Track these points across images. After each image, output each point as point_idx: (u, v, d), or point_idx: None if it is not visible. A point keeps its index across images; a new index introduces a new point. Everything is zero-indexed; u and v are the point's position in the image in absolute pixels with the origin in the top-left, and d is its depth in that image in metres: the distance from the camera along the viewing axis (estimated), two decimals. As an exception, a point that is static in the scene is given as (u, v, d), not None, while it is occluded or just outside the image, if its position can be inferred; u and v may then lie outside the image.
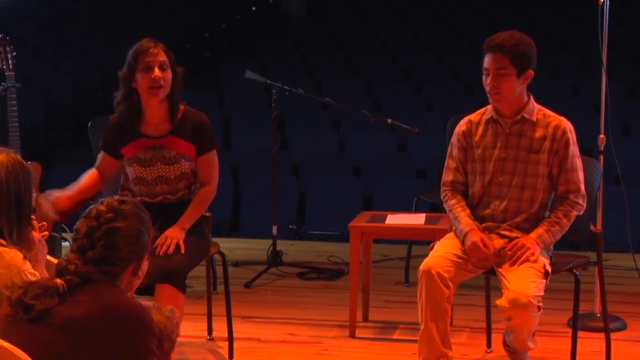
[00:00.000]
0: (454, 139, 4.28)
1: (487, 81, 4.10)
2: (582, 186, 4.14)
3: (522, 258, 4.00)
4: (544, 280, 3.98)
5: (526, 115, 4.14)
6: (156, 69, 4.23)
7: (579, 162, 4.14)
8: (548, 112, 4.19)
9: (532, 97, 4.19)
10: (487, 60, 4.09)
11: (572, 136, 4.13)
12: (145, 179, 4.34)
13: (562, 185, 4.13)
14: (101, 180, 4.39)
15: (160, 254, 4.08)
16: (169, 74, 4.27)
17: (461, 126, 4.27)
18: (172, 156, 4.32)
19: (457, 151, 4.25)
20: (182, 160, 4.32)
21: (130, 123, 4.33)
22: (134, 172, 4.35)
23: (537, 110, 4.17)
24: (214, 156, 4.40)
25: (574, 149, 4.13)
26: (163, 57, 4.26)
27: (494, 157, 4.16)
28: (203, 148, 4.36)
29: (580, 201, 4.13)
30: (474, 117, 4.27)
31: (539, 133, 4.13)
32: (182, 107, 4.36)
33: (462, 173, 4.25)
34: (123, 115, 4.34)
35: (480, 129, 4.22)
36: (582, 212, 4.17)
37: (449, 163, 4.29)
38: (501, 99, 4.11)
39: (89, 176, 4.37)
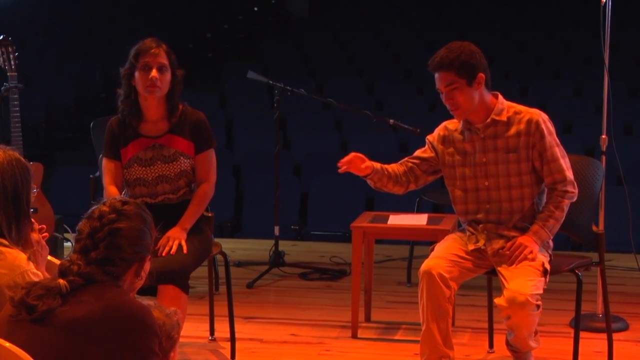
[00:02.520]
0: (428, 137, 4.30)
1: (443, 100, 4.12)
2: (568, 173, 4.11)
3: (520, 257, 4.00)
4: (543, 278, 3.98)
5: (496, 117, 4.12)
6: (154, 70, 4.24)
7: (559, 151, 4.12)
8: (519, 107, 4.17)
9: (500, 96, 4.17)
10: (436, 81, 4.12)
11: (546, 127, 4.10)
12: (145, 180, 4.34)
13: (547, 177, 4.13)
14: (121, 192, 4.40)
15: (163, 254, 4.09)
16: (167, 76, 4.28)
17: (439, 130, 4.28)
18: (171, 154, 4.32)
19: (427, 149, 4.29)
20: (181, 158, 4.33)
21: (130, 123, 4.34)
22: (134, 174, 4.35)
23: (507, 108, 4.15)
24: (212, 154, 4.41)
25: (551, 139, 4.11)
26: (163, 59, 4.27)
27: (475, 163, 4.16)
28: (201, 146, 4.37)
29: (570, 188, 4.11)
30: (450, 124, 4.27)
31: (512, 131, 4.12)
32: (180, 106, 4.37)
33: (418, 161, 4.28)
34: (124, 113, 4.35)
35: (458, 135, 4.22)
36: (574, 199, 4.14)
37: (417, 151, 4.33)
38: (462, 112, 4.11)
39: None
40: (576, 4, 12.66)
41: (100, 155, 4.70)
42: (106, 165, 4.41)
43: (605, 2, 4.92)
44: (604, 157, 4.97)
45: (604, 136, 5.07)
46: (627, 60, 10.70)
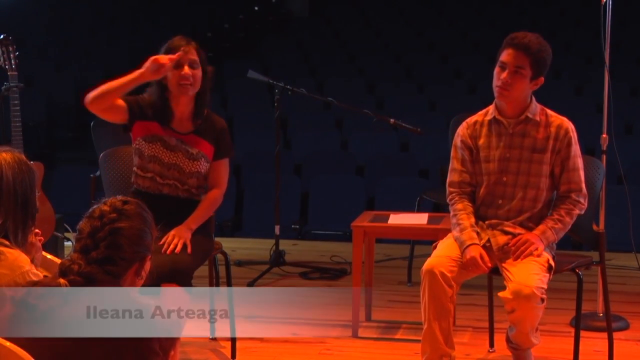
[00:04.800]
0: (457, 141, 4.27)
1: (500, 75, 4.10)
2: (584, 186, 4.15)
3: (526, 252, 4.00)
4: (548, 274, 3.98)
5: (530, 115, 4.15)
6: (186, 67, 4.25)
7: (580, 162, 4.16)
8: (550, 112, 4.20)
9: (534, 98, 4.20)
10: (507, 55, 4.09)
11: (573, 136, 4.15)
12: (162, 160, 4.33)
13: (564, 185, 4.14)
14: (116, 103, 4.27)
15: (167, 252, 4.09)
16: (199, 72, 4.29)
17: (465, 127, 4.26)
18: (195, 153, 4.34)
19: (463, 152, 4.24)
20: (202, 160, 4.35)
21: (160, 116, 4.34)
22: (154, 150, 4.32)
23: (539, 110, 4.18)
24: (227, 163, 4.45)
25: (576, 148, 4.15)
26: (194, 56, 4.29)
27: (498, 157, 4.17)
28: (221, 153, 4.40)
29: (582, 200, 4.14)
30: (476, 118, 4.27)
31: (542, 133, 4.14)
32: (205, 111, 4.38)
33: (468, 173, 4.24)
34: (155, 107, 4.33)
35: (484, 130, 4.21)
36: (583, 211, 4.18)
37: (454, 164, 4.27)
38: (508, 95, 4.11)
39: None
40: (577, 3, 12.66)
41: (101, 154, 4.70)
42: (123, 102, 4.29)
43: (606, 1, 4.92)
44: (604, 157, 4.97)
45: (604, 135, 5.07)
46: (628, 59, 10.70)
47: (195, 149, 4.34)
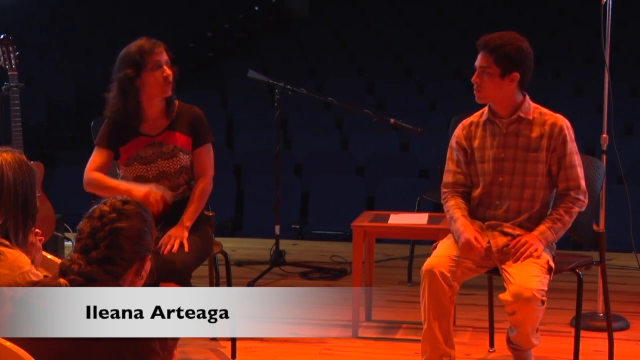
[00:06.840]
0: (452, 142, 4.28)
1: (472, 77, 4.15)
2: (582, 182, 4.14)
3: (526, 254, 4.00)
4: (548, 276, 3.98)
5: (522, 114, 4.14)
6: (166, 67, 4.26)
7: (577, 159, 4.14)
8: (544, 110, 4.19)
9: (527, 96, 4.19)
10: (477, 58, 4.14)
11: (569, 133, 4.13)
12: (146, 177, 4.33)
13: (562, 183, 4.14)
14: None
15: (165, 253, 4.09)
16: (172, 72, 4.31)
17: (460, 129, 4.27)
18: (170, 150, 4.33)
19: (457, 153, 4.25)
20: (180, 154, 4.33)
21: (129, 123, 4.33)
22: (135, 172, 4.35)
23: (533, 108, 4.17)
24: (209, 149, 4.41)
25: (572, 145, 4.13)
26: (167, 56, 4.31)
27: (493, 158, 4.17)
28: (200, 140, 4.37)
29: (581, 197, 4.13)
30: (472, 119, 4.27)
31: (536, 131, 4.13)
32: (176, 103, 4.38)
33: (462, 174, 4.24)
34: (121, 115, 4.34)
35: (479, 131, 4.22)
36: (583, 208, 4.16)
37: (449, 166, 4.28)
38: (482, 96, 4.14)
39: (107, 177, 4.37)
40: (577, 3, 12.66)
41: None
42: (96, 153, 4.38)
43: (606, 1, 4.92)
44: (604, 156, 4.97)
45: (604, 135, 5.07)
46: (628, 59, 10.70)
47: (170, 146, 4.32)
